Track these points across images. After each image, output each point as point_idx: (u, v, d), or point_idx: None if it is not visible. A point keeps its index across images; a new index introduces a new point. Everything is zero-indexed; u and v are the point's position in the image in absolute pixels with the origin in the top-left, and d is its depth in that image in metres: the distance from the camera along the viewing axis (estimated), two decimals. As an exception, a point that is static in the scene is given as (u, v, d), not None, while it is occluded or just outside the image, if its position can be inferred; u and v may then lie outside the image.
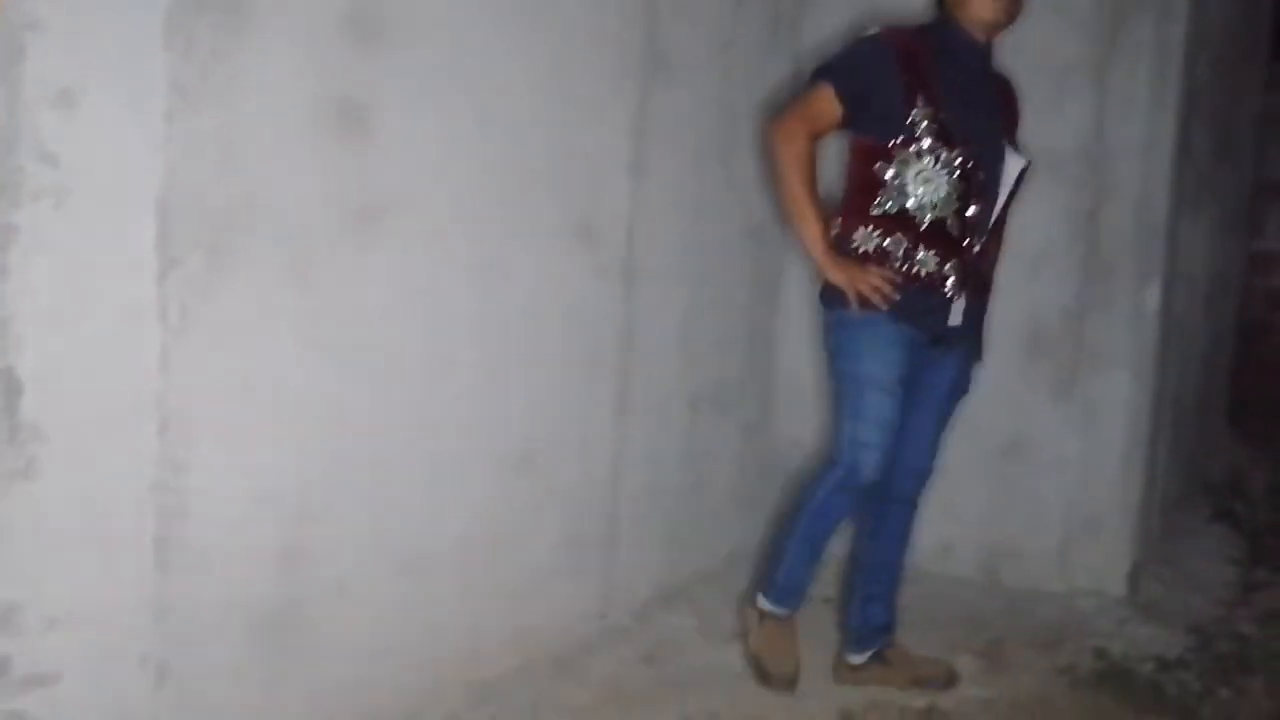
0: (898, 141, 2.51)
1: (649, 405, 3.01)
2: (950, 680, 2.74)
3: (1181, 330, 3.56)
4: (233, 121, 1.88)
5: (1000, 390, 3.28)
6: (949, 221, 2.53)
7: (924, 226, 2.52)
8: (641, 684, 2.67)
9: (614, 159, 2.78)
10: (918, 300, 2.55)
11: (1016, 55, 3.13)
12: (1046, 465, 3.29)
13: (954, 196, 2.51)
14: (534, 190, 2.54)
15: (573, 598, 2.83)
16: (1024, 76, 3.13)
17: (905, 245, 2.53)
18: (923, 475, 2.76)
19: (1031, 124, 3.13)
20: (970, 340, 2.69)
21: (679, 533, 3.23)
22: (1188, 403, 3.87)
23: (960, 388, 2.76)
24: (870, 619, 2.79)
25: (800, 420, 3.61)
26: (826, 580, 3.33)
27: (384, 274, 2.19)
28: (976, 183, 2.53)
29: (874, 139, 2.55)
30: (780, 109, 2.73)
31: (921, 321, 2.58)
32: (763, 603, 2.78)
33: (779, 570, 2.76)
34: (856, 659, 2.77)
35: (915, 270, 2.54)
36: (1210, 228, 3.86)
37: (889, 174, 2.52)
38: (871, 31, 2.60)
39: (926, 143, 2.49)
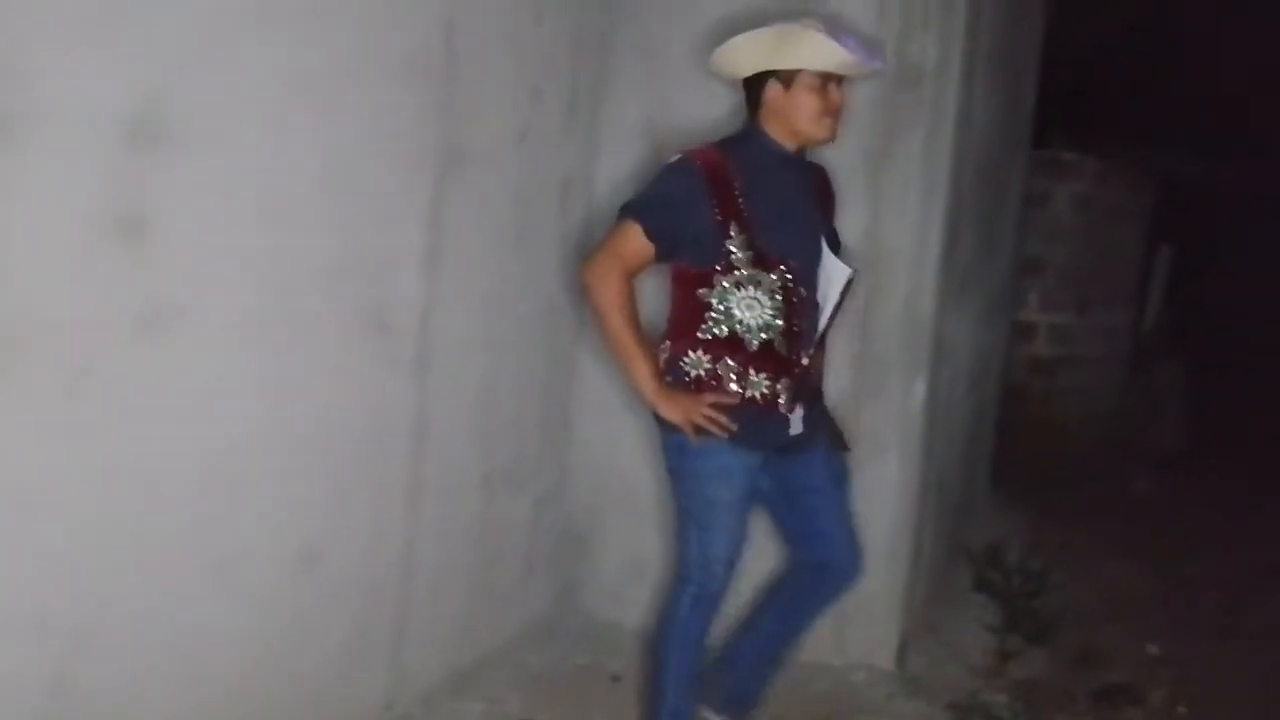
0: (716, 269, 2.50)
1: (442, 488, 3.02)
2: None
3: (947, 412, 3.80)
4: (5, 234, 1.82)
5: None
6: (777, 342, 2.53)
7: (753, 348, 2.52)
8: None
9: (409, 251, 2.79)
10: (754, 422, 2.54)
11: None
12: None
13: (779, 316, 2.52)
14: (325, 286, 2.53)
15: (360, 691, 2.81)
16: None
17: (735, 369, 2.53)
18: (852, 572, 2.75)
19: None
20: (822, 433, 2.71)
21: (470, 613, 3.24)
22: (951, 477, 4.13)
23: (840, 475, 2.78)
24: (752, 688, 2.86)
25: (594, 489, 3.68)
26: (616, 653, 3.42)
27: (166, 381, 2.15)
28: (800, 299, 2.54)
29: (692, 267, 2.54)
30: (592, 248, 2.69)
31: (760, 441, 2.57)
32: None
33: (663, 710, 2.68)
34: None
35: (749, 394, 2.53)
36: (976, 314, 4.14)
37: (713, 300, 2.52)
38: (677, 158, 2.56)
39: (745, 270, 2.49)
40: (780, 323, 2.52)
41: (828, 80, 2.49)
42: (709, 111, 3.43)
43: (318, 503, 2.59)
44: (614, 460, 3.65)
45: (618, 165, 3.55)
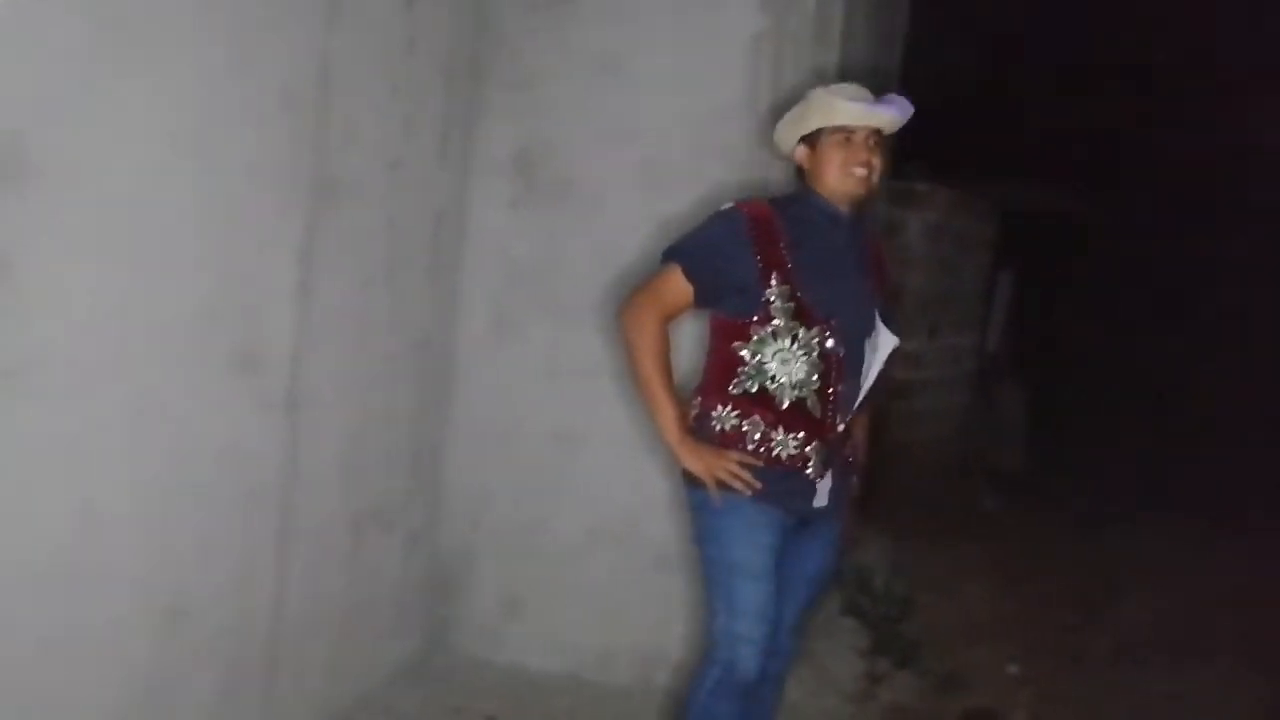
0: (753, 320, 2.45)
1: (312, 531, 2.92)
2: None
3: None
4: None
5: (659, 504, 3.42)
6: (810, 401, 2.46)
7: (784, 407, 2.46)
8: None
9: (280, 286, 2.68)
10: (780, 483, 2.47)
11: (678, 191, 3.35)
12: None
13: (815, 376, 2.45)
14: (193, 326, 2.41)
15: (227, 746, 2.68)
16: (683, 210, 3.34)
17: (763, 427, 2.46)
18: (786, 655, 2.69)
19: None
20: (836, 520, 2.63)
21: (341, 658, 3.13)
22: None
23: (827, 571, 2.69)
24: None
25: (466, 525, 3.61)
26: (489, 693, 3.35)
27: (25, 432, 2.01)
28: (839, 361, 2.47)
29: (729, 317, 2.50)
30: (632, 289, 2.62)
31: (786, 503, 2.49)
32: None
33: None
34: None
35: (775, 452, 2.47)
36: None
37: (746, 353, 2.46)
38: (726, 206, 2.54)
39: (783, 322, 2.44)
40: (816, 381, 2.46)
41: (851, 134, 2.49)
42: (584, 143, 3.45)
43: (185, 554, 2.46)
44: (486, 495, 3.60)
45: (490, 195, 3.51)
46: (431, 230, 3.33)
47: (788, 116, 2.59)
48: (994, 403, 7.61)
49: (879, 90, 2.61)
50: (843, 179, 2.50)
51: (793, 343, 2.44)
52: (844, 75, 3.37)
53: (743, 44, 3.33)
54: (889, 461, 6.12)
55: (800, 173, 2.60)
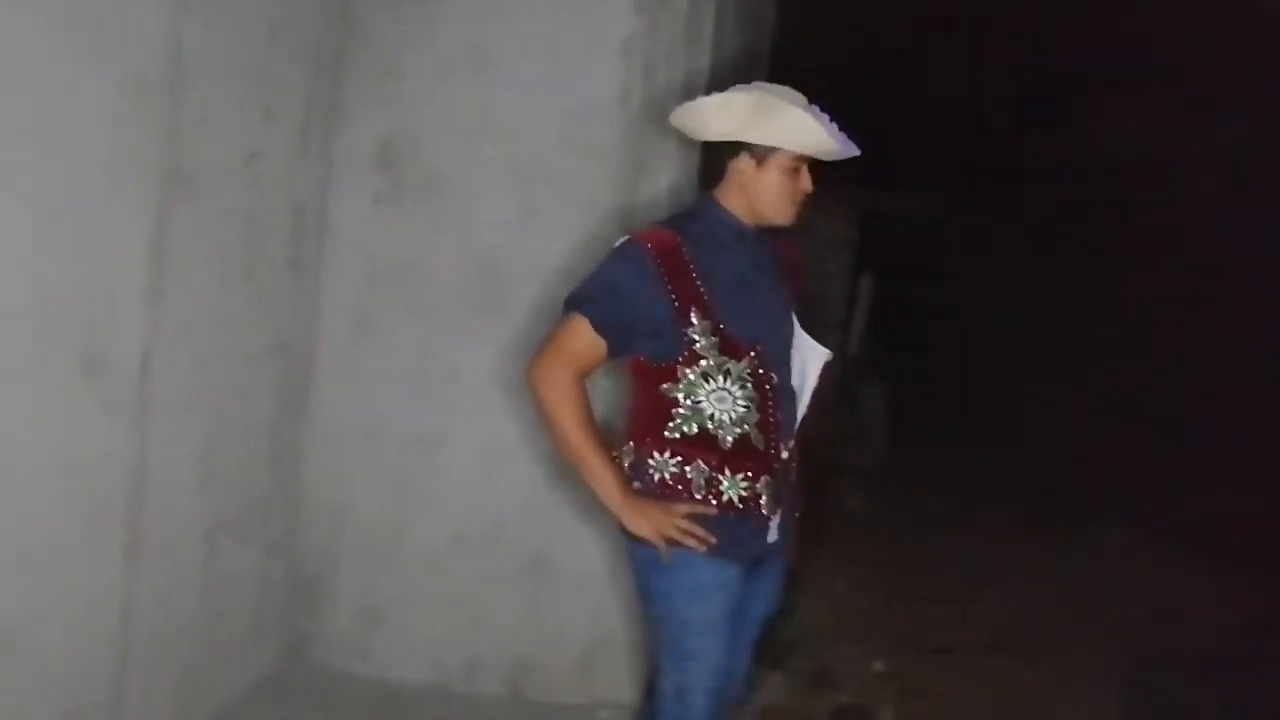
0: (679, 361, 2.25)
1: (163, 544, 2.76)
2: None
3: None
4: None
5: (526, 509, 3.36)
6: (753, 436, 2.28)
7: (728, 446, 2.27)
8: None
9: (128, 285, 2.53)
10: (735, 530, 2.28)
11: (547, 189, 3.29)
12: (569, 583, 3.39)
13: (754, 407, 2.27)
14: (31, 327, 2.25)
15: (69, 775, 2.51)
16: (553, 208, 3.29)
17: (708, 472, 2.27)
18: (736, 701, 2.53)
19: (558, 255, 3.27)
20: (783, 553, 2.45)
21: (195, 674, 2.98)
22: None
23: (774, 607, 2.52)
24: None
25: (327, 534, 3.48)
26: (352, 707, 3.24)
27: None
28: (773, 386, 2.29)
29: (651, 361, 2.28)
30: (539, 347, 2.34)
31: (741, 551, 2.31)
32: None
33: None
34: None
35: (725, 497, 2.27)
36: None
37: (679, 394, 2.26)
38: (623, 241, 2.29)
39: (711, 360, 2.24)
40: (755, 414, 2.27)
41: (801, 162, 2.29)
42: (452, 138, 3.35)
43: (21, 575, 2.29)
44: (348, 503, 3.47)
45: (353, 190, 3.39)
46: (291, 226, 3.19)
47: (728, 103, 2.27)
48: (855, 404, 7.75)
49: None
50: (779, 211, 2.32)
51: (726, 379, 2.25)
52: (714, 78, 3.36)
53: (615, 43, 3.29)
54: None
55: (712, 173, 2.36)
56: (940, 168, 9.80)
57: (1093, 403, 8.51)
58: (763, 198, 2.31)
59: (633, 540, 2.32)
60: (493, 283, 3.35)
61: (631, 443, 2.36)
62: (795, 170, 2.30)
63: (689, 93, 3.27)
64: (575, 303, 2.28)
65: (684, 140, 3.24)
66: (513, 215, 3.32)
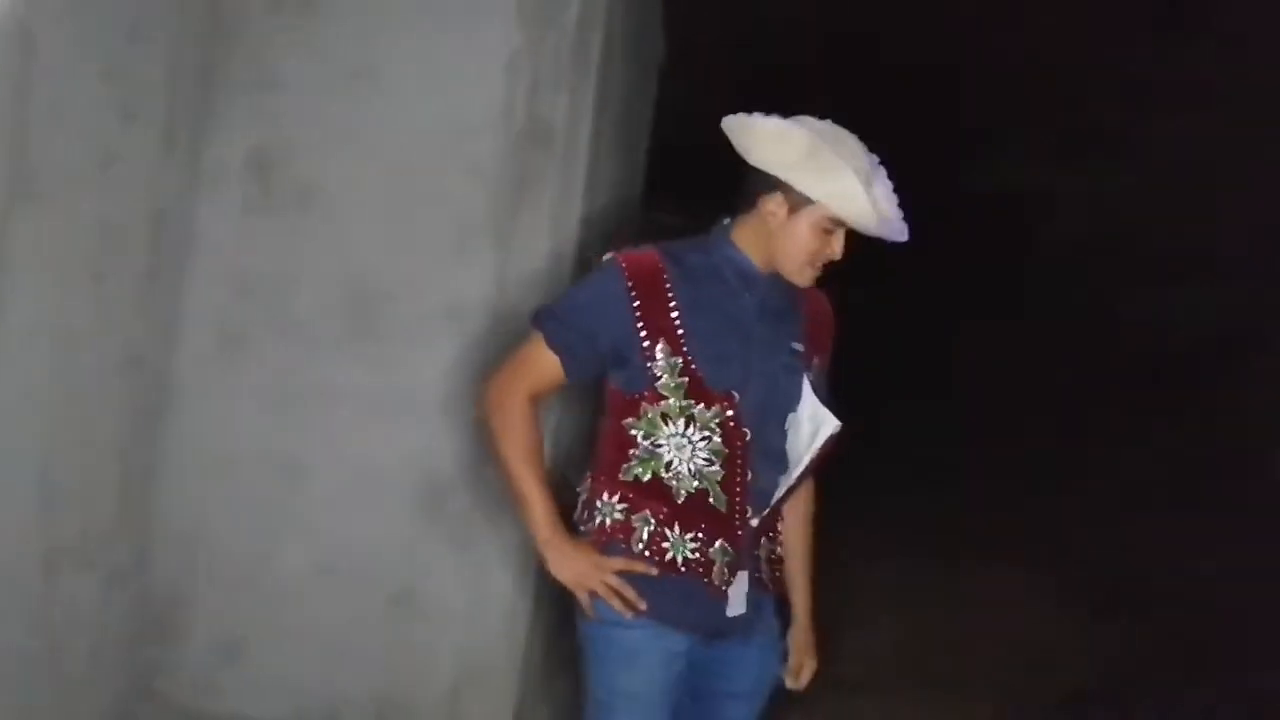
0: (642, 395, 2.08)
1: (-7, 571, 2.56)
2: None
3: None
4: None
5: (394, 539, 3.23)
6: (713, 494, 2.09)
7: (680, 500, 2.09)
8: None
9: (-39, 291, 2.34)
10: (677, 594, 2.09)
11: (426, 206, 3.19)
12: (438, 616, 3.26)
13: (718, 464, 2.08)
14: None
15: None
16: (431, 226, 3.19)
17: (654, 524, 2.09)
18: None
19: (435, 275, 3.18)
20: (769, 622, 2.25)
21: (32, 713, 2.77)
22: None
23: (764, 683, 2.28)
24: None
25: (180, 562, 3.28)
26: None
27: None
28: (745, 444, 2.09)
29: (619, 389, 2.12)
30: (498, 362, 2.23)
31: (686, 619, 2.11)
32: None
33: None
34: None
35: (669, 555, 2.08)
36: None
37: (637, 433, 2.09)
38: (607, 258, 2.13)
39: (675, 401, 2.06)
40: (719, 470, 2.08)
41: (837, 226, 2.09)
42: (327, 150, 3.22)
43: None
44: (205, 530, 3.28)
45: (222, 199, 3.22)
46: (150, 234, 3.02)
47: (785, 134, 2.05)
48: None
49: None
50: (797, 268, 2.12)
51: (689, 425, 2.07)
52: (601, 100, 3.29)
53: (499, 61, 3.20)
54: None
55: (740, 199, 2.15)
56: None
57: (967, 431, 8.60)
58: (783, 249, 2.10)
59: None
60: (366, 301, 3.21)
61: (590, 479, 2.21)
62: (828, 232, 2.09)
63: (575, 117, 3.21)
64: (536, 318, 2.16)
65: (569, 161, 3.20)
66: (389, 232, 3.20)
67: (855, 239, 2.15)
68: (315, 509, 3.26)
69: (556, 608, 3.86)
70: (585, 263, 3.31)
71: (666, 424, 2.08)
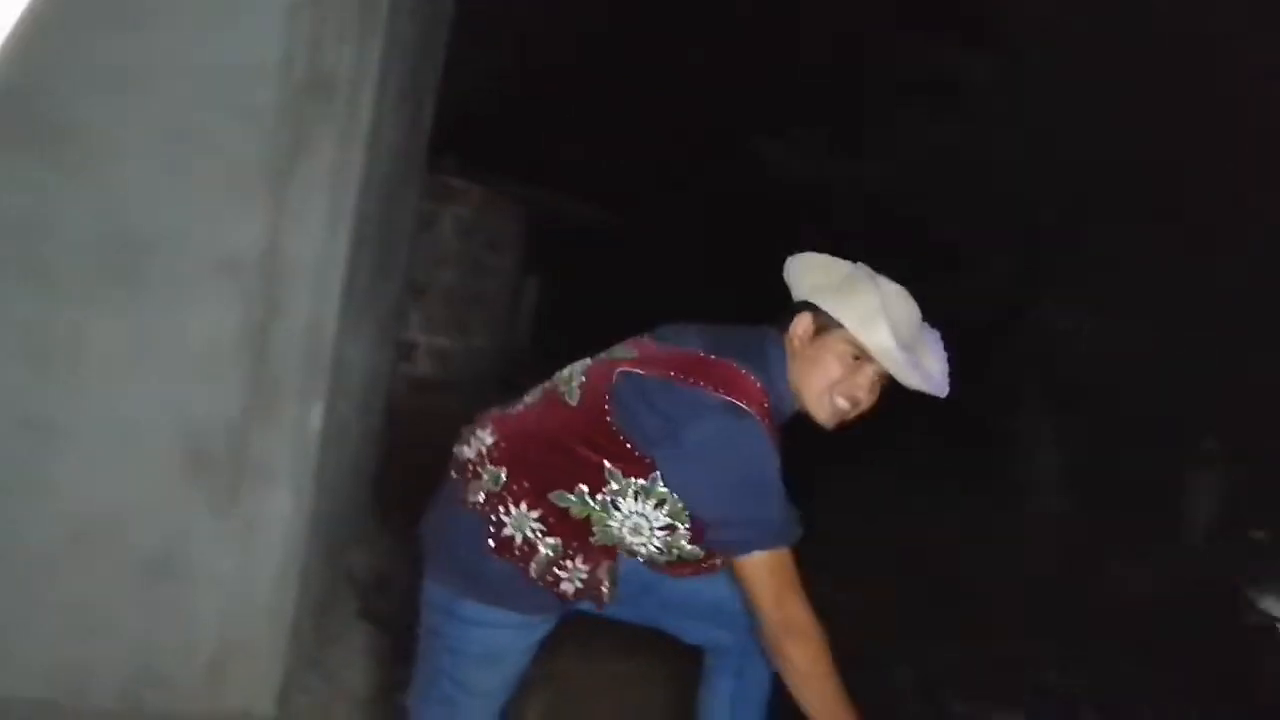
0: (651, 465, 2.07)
1: None
2: None
3: (340, 437, 3.64)
4: None
5: (153, 505, 3.07)
6: (625, 551, 2.21)
7: (592, 541, 2.12)
8: None
9: None
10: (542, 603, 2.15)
11: (196, 154, 3.02)
12: (199, 583, 3.12)
13: (656, 547, 2.16)
14: None
15: None
16: (201, 175, 3.02)
17: (556, 553, 2.11)
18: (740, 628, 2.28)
19: (204, 226, 3.02)
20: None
21: None
22: (339, 504, 3.97)
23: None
24: None
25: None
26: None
27: None
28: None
29: (635, 446, 2.05)
30: (758, 591, 2.04)
31: (567, 606, 2.18)
32: None
33: None
34: None
35: (562, 587, 2.13)
36: (370, 335, 4.03)
37: (610, 481, 2.08)
38: (738, 418, 1.97)
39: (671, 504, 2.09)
40: (655, 552, 2.14)
41: (862, 359, 2.04)
42: (88, 88, 3.02)
43: None
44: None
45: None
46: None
47: (826, 264, 2.11)
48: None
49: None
50: (822, 401, 2.08)
51: (658, 507, 2.08)
52: (385, 60, 3.19)
53: (281, 6, 3.05)
54: (410, 458, 6.00)
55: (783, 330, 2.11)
56: (622, 183, 9.97)
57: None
58: (806, 377, 2.07)
59: (432, 582, 2.18)
60: (126, 250, 3.02)
61: (509, 474, 2.14)
62: (854, 362, 2.06)
63: (359, 71, 3.11)
64: (769, 537, 2.01)
65: (351, 115, 3.10)
66: (155, 175, 3.01)
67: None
68: (67, 473, 3.06)
69: (327, 575, 3.78)
70: (363, 224, 3.22)
71: (638, 500, 2.06)
